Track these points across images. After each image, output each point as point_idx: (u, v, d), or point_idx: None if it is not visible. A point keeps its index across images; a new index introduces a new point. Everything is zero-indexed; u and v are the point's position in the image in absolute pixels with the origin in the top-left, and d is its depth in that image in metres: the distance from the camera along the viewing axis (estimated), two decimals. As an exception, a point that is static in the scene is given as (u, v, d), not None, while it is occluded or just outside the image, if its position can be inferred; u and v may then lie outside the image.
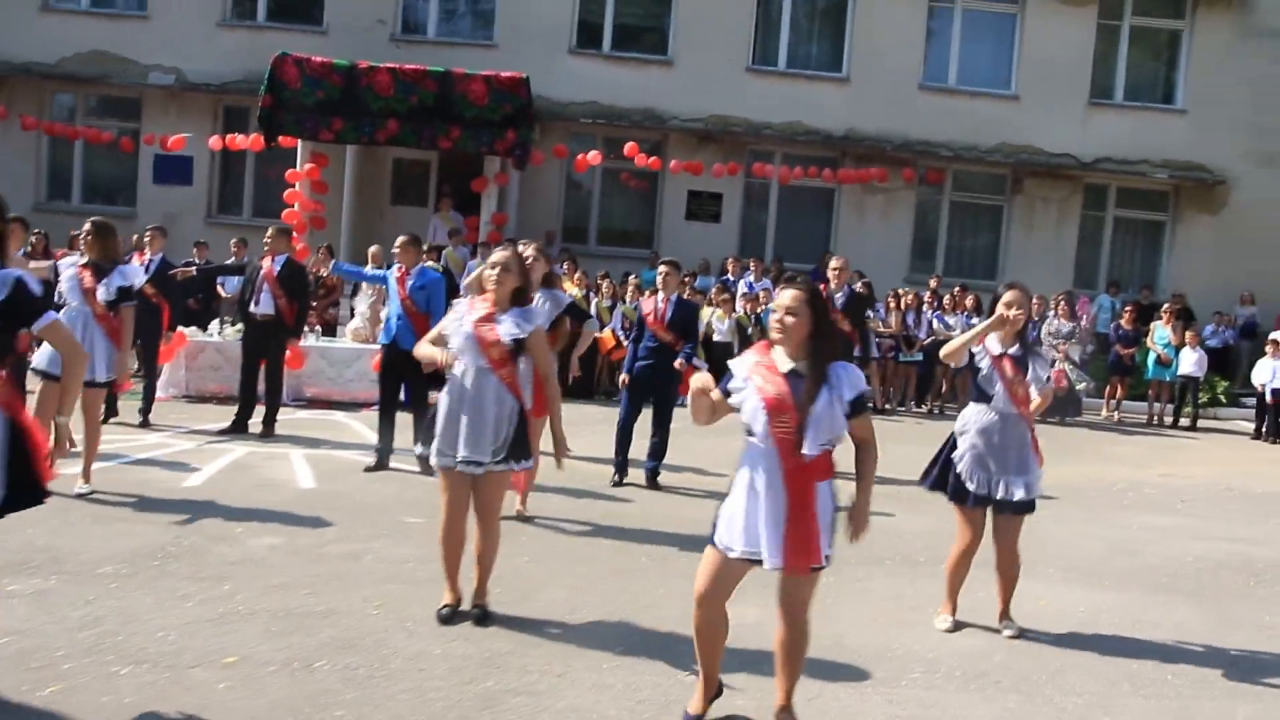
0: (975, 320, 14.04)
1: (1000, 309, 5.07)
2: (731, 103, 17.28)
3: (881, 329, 13.74)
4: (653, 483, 8.23)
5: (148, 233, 10.18)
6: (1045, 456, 5.27)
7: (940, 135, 17.32)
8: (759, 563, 3.65)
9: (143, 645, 4.30)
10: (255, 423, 9.48)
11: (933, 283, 15.18)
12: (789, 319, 3.65)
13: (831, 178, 16.79)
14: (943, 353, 5.27)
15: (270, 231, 9.50)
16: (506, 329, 4.68)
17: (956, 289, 14.96)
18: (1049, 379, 5.33)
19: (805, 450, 3.56)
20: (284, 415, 10.06)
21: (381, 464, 8.19)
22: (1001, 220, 18.07)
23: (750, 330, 13.40)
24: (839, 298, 9.11)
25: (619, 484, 8.15)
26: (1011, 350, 5.09)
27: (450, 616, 4.81)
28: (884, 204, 17.65)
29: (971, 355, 5.11)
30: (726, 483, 3.82)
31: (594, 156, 15.73)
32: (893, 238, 17.59)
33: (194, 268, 11.07)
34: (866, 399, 3.76)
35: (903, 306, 13.95)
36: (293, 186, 14.82)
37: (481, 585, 4.92)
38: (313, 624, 4.68)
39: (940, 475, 5.22)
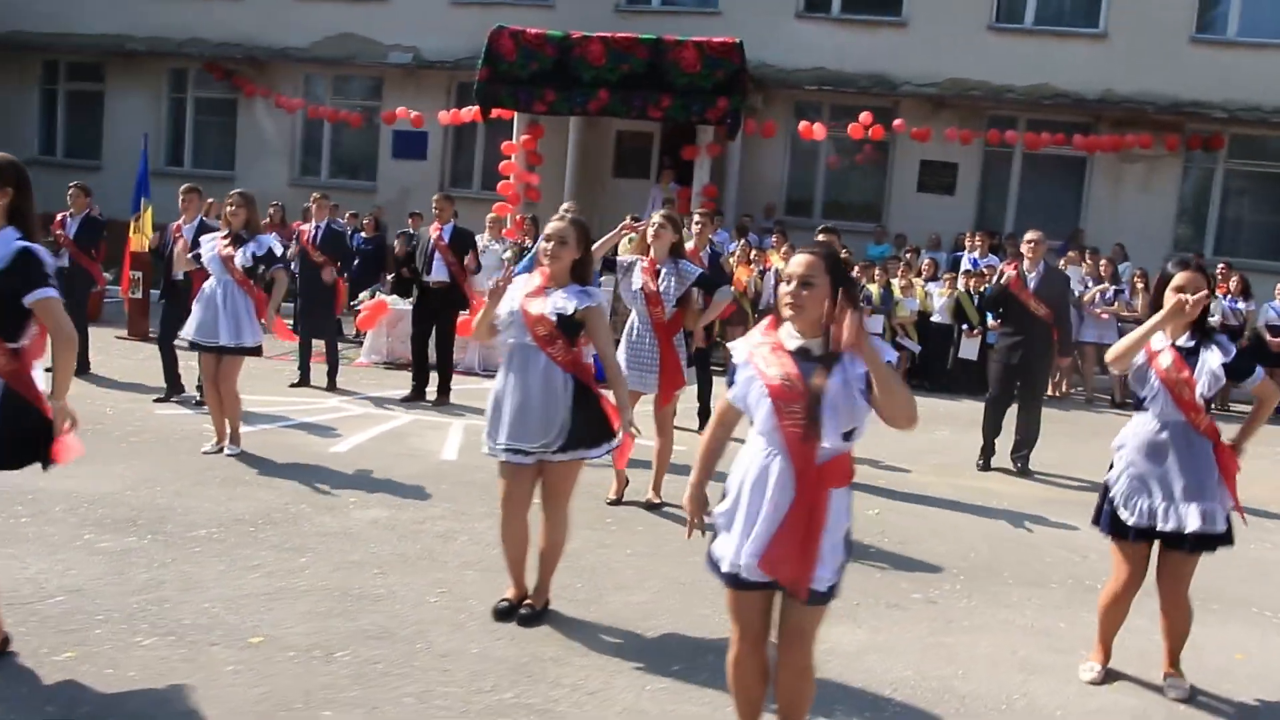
0: (1241, 305, 12.22)
1: (1171, 295, 4.03)
2: (970, 65, 15.88)
3: (1126, 313, 12.15)
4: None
5: (70, 191, 9.94)
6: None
7: (1215, 94, 15.16)
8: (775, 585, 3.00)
9: (180, 616, 4.18)
10: (433, 390, 9.53)
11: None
12: (803, 290, 2.96)
13: (1083, 145, 15.10)
14: (1108, 357, 4.26)
15: (436, 199, 9.47)
16: (553, 304, 4.20)
17: (1221, 267, 13.02)
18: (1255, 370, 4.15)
19: (824, 443, 2.89)
20: (471, 384, 10.07)
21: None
22: (1292, 192, 15.67)
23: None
24: (1032, 277, 7.99)
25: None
26: (1181, 341, 4.06)
27: (506, 612, 4.41)
28: (1145, 173, 15.70)
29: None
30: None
31: (819, 129, 14.90)
32: (1154, 211, 15.62)
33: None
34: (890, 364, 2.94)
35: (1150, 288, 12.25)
36: (508, 159, 14.99)
37: (543, 583, 4.49)
38: (361, 608, 4.41)
39: (1099, 503, 4.26)
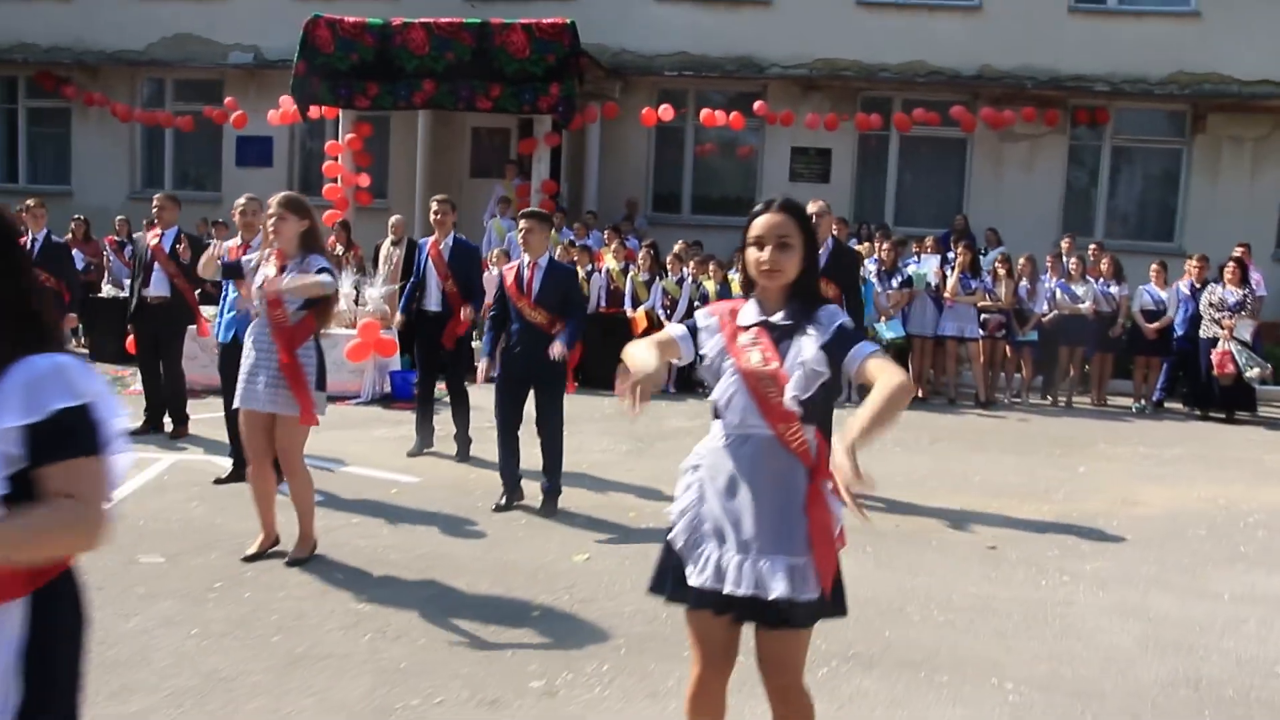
0: (1114, 290, 11.17)
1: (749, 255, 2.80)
2: (841, 43, 14.81)
3: (986, 302, 11.06)
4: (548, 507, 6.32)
5: (28, 208, 8.80)
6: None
7: (1097, 67, 14.16)
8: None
9: None
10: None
11: (1064, 244, 12.21)
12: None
13: (959, 119, 14.02)
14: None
15: (158, 199, 8.16)
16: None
17: (1092, 248, 11.98)
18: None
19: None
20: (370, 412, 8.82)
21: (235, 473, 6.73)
22: (1180, 167, 14.65)
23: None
24: (822, 254, 6.83)
25: (502, 508, 6.29)
26: (778, 318, 2.83)
27: None
28: (1027, 153, 14.68)
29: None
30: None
31: (664, 111, 13.78)
32: (1039, 193, 14.60)
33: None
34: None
35: (1015, 274, 11.18)
36: (334, 159, 13.78)
37: None
38: None
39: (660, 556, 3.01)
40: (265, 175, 16.65)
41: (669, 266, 11.27)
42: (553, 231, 13.09)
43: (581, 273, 11.39)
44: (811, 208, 6.83)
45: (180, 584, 4.74)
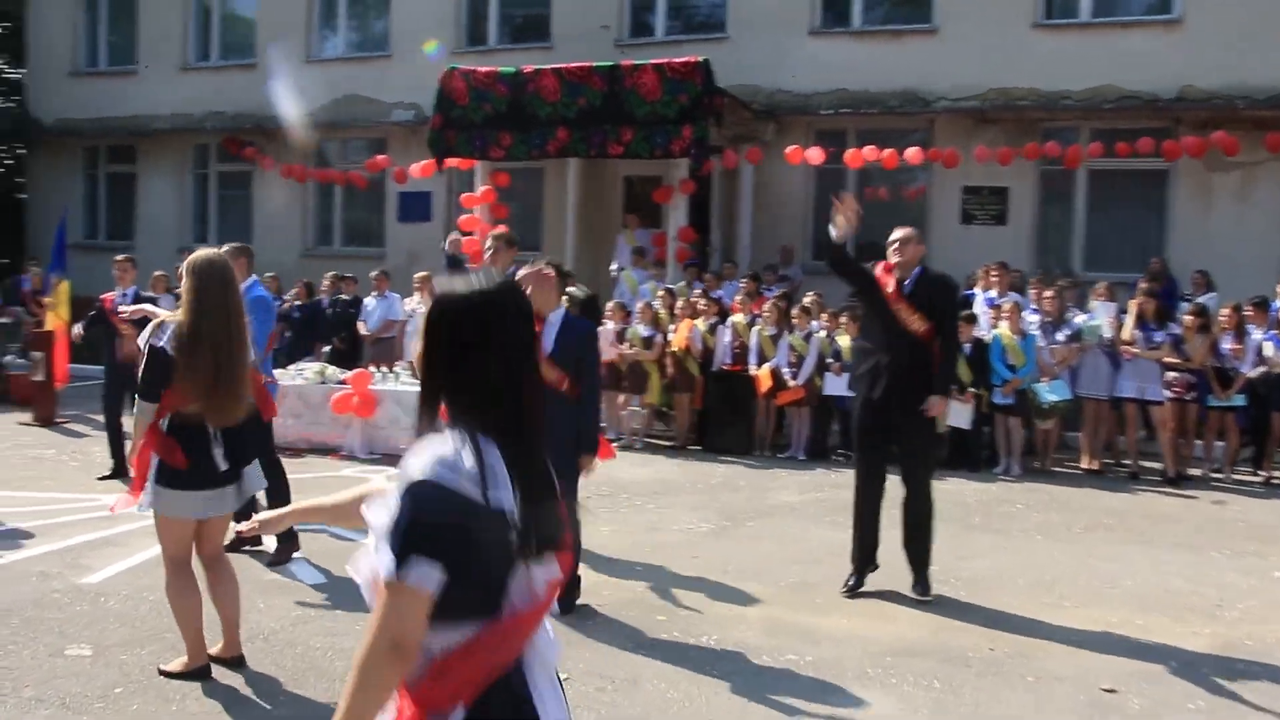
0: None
1: None
2: (1015, 71, 13.32)
3: (1172, 358, 9.30)
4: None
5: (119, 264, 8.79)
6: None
7: (1330, 80, 12.04)
8: None
9: None
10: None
11: (1280, 289, 10.23)
12: None
13: (1163, 153, 12.18)
14: None
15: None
16: None
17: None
18: None
19: None
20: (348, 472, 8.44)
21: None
22: None
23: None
24: (907, 284, 5.69)
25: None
26: None
27: None
28: (1240, 184, 12.63)
29: None
30: None
31: (813, 153, 12.72)
32: (1255, 230, 12.49)
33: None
34: None
35: (1214, 327, 9.39)
36: (470, 212, 13.51)
37: None
38: None
39: None
40: (425, 230, 16.75)
41: (796, 320, 10.17)
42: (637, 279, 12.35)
43: (704, 326, 10.49)
44: (896, 234, 5.79)
45: (80, 686, 4.16)
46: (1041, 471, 9.53)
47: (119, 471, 8.31)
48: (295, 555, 6.13)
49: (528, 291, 5.37)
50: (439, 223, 16.82)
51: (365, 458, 9.67)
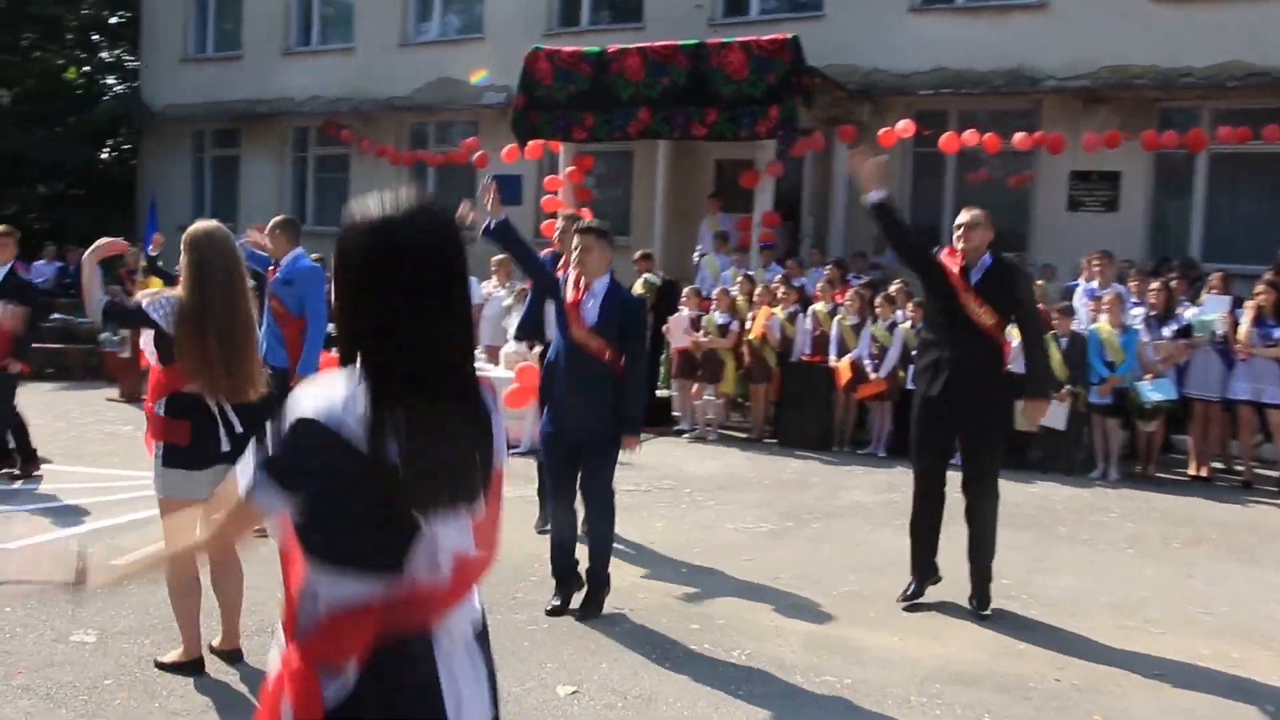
0: None
1: None
2: (1131, 47, 12.43)
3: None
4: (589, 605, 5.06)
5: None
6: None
7: None
8: None
9: None
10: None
11: None
12: None
13: (1284, 137, 11.24)
14: None
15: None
16: None
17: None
18: None
19: None
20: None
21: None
22: None
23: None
24: (974, 273, 5.17)
25: (558, 610, 5.10)
26: None
27: None
28: (1383, 170, 11.55)
29: None
30: None
31: (904, 127, 12.09)
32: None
33: None
34: None
35: (1341, 324, 8.51)
36: (553, 194, 13.29)
37: None
38: None
39: None
40: (515, 213, 16.58)
41: (879, 310, 9.63)
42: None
43: (783, 314, 10.04)
44: (962, 217, 5.28)
45: (72, 675, 4.02)
46: (1143, 477, 8.82)
47: None
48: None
49: (574, 257, 5.06)
50: (530, 207, 16.70)
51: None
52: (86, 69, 21.63)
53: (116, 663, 4.17)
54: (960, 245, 5.19)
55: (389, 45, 17.77)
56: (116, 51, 23.09)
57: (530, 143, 13.02)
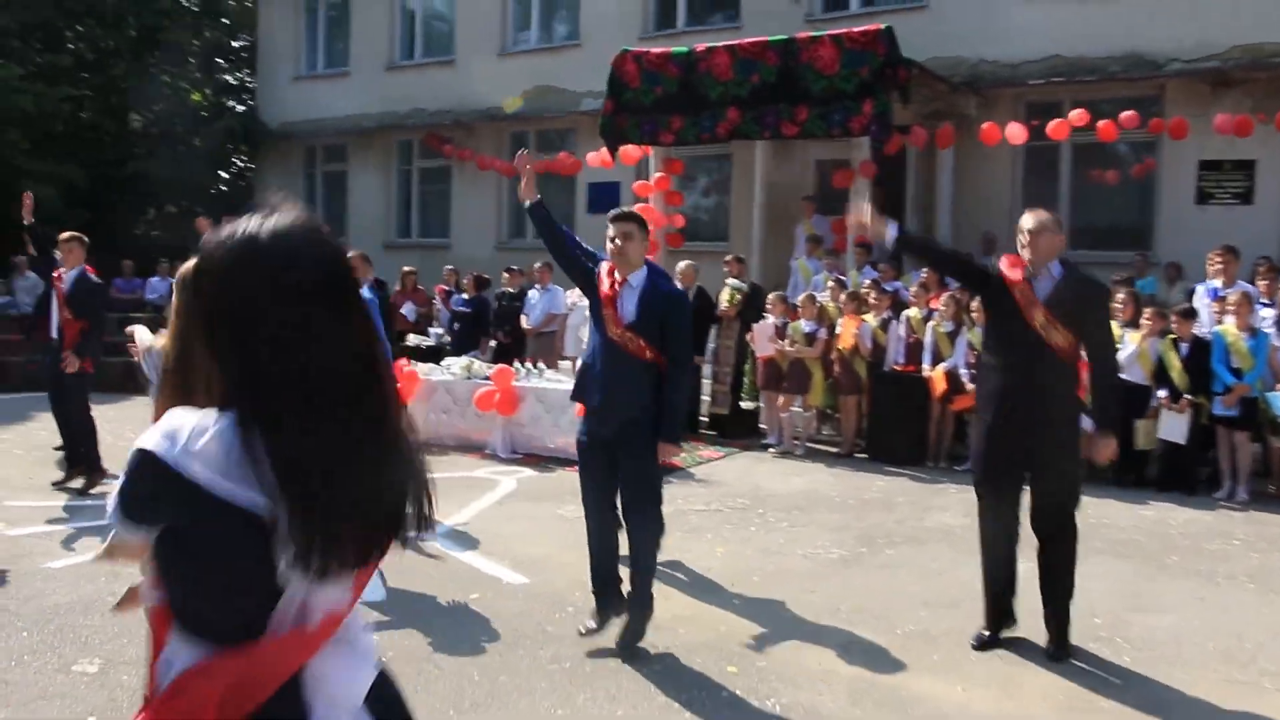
0: None
1: None
2: (1269, 23, 11.39)
3: None
4: (630, 639, 4.68)
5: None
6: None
7: None
8: None
9: None
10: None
11: None
12: None
13: None
14: None
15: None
16: None
17: None
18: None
19: None
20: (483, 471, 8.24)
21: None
22: None
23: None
24: (1041, 284, 4.59)
25: (593, 630, 4.75)
26: None
27: None
28: None
29: None
30: None
31: (1015, 130, 11.31)
32: None
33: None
34: None
35: None
36: (644, 200, 12.96)
37: None
38: None
39: None
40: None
41: (975, 315, 8.96)
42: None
43: (874, 321, 9.47)
44: (1026, 221, 4.70)
45: (59, 710, 3.86)
46: (1275, 499, 7.94)
47: None
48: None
49: (611, 246, 4.69)
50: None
51: (506, 457, 9.30)
52: (206, 90, 22.37)
53: (109, 697, 3.99)
54: (1026, 255, 4.60)
55: (488, 55, 17.79)
56: (241, 75, 23.88)
57: (621, 148, 12.71)
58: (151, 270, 16.95)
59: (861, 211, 4.70)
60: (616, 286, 4.69)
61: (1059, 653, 4.57)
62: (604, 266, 4.82)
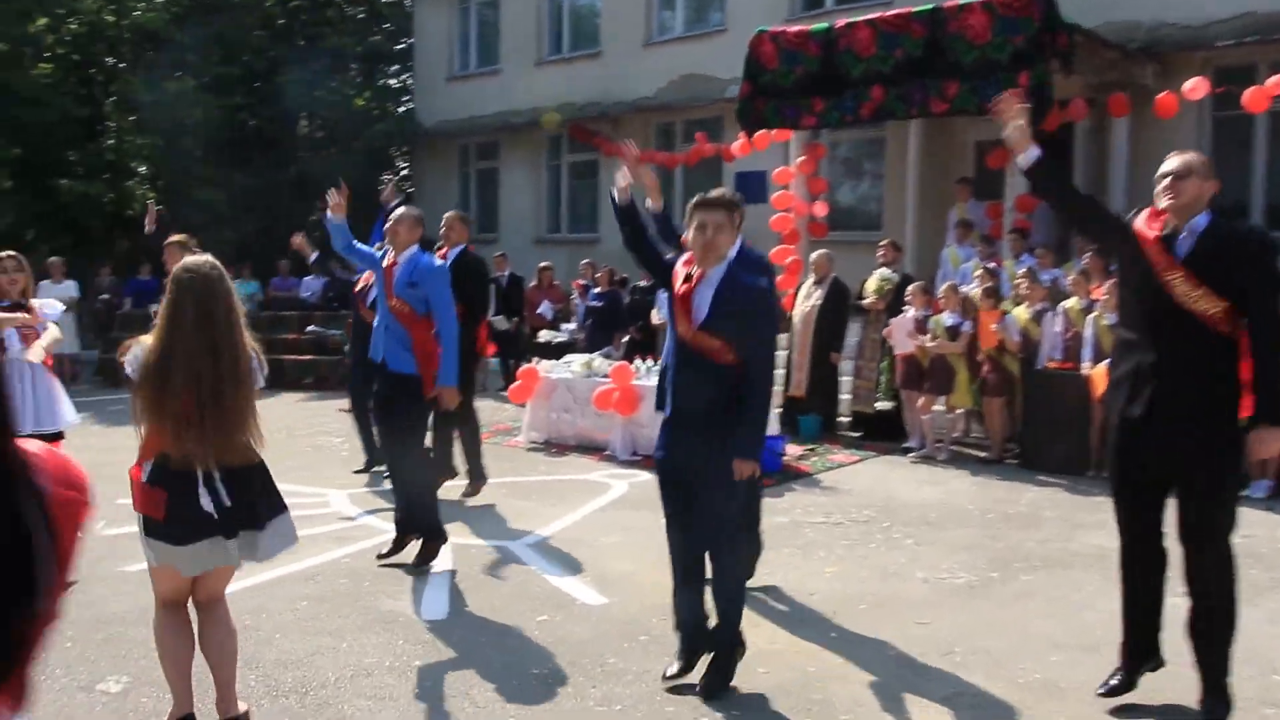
0: None
1: None
2: None
3: None
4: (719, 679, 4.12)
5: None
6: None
7: None
8: None
9: None
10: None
11: None
12: None
13: None
14: None
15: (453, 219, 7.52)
16: None
17: None
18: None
19: None
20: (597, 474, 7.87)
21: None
22: None
23: None
24: (1183, 241, 3.74)
25: (673, 676, 4.22)
26: None
27: None
28: None
29: None
30: None
31: (1192, 87, 10.05)
32: None
33: None
34: None
35: None
36: (784, 187, 12.31)
37: None
38: None
39: None
40: (759, 211, 15.72)
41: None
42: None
43: (1027, 313, 8.55)
44: (1169, 163, 3.85)
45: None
46: None
47: (372, 463, 8.16)
48: (437, 567, 5.53)
49: (696, 238, 4.15)
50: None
51: (625, 459, 8.86)
52: (366, 93, 22.92)
53: (118, 718, 3.74)
54: (1166, 203, 3.76)
55: (633, 46, 17.45)
56: (404, 77, 24.41)
57: (758, 133, 12.08)
58: (306, 269, 17.37)
59: (1015, 112, 3.88)
60: (694, 282, 4.16)
61: (1215, 709, 3.74)
62: (685, 258, 4.30)
